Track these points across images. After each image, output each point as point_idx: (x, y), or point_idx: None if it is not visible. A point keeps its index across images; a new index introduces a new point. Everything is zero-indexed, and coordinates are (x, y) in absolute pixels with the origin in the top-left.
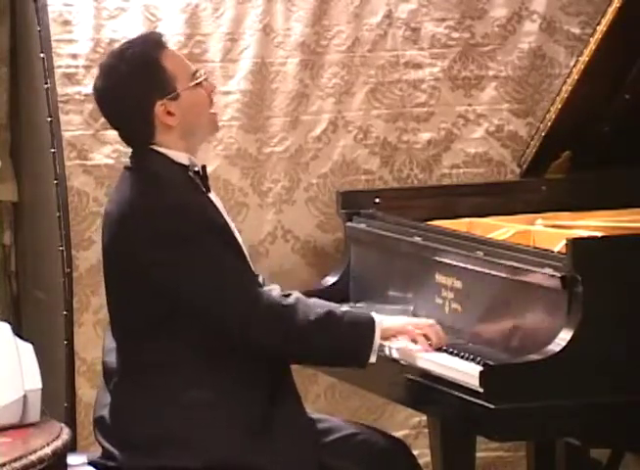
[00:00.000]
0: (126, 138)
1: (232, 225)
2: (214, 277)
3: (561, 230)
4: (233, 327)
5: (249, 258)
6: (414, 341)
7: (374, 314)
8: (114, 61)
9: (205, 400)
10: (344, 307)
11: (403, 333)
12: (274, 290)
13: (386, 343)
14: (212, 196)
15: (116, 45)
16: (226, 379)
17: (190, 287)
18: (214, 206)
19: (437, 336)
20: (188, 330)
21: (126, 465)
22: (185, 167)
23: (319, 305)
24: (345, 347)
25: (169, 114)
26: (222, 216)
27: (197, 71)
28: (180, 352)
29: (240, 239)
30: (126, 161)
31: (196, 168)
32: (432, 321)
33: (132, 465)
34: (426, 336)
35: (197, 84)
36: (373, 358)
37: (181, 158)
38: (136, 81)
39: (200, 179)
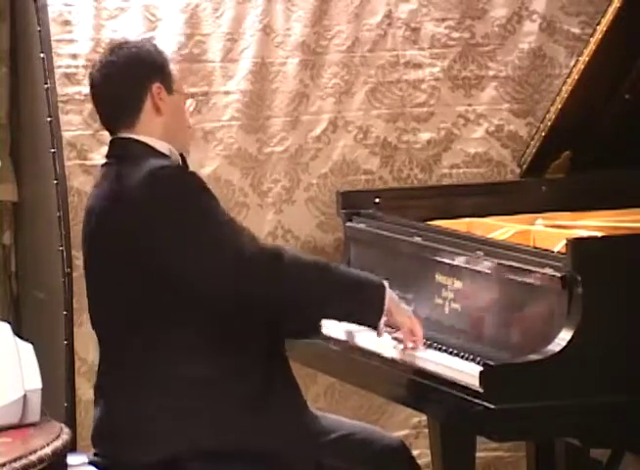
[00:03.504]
0: (110, 117)
1: None
2: (212, 233)
3: (561, 230)
4: (237, 280)
5: None
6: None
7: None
8: (125, 41)
9: (198, 382)
10: None
11: (401, 326)
12: None
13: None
14: None
15: None
16: (219, 361)
17: (189, 249)
18: None
19: (417, 338)
20: (184, 312)
21: (125, 461)
22: (166, 157)
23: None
24: (361, 290)
25: (162, 100)
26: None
27: (188, 98)
28: (173, 337)
29: None
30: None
31: (177, 161)
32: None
33: (131, 458)
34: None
35: (185, 100)
36: (382, 321)
37: (161, 147)
38: (143, 59)
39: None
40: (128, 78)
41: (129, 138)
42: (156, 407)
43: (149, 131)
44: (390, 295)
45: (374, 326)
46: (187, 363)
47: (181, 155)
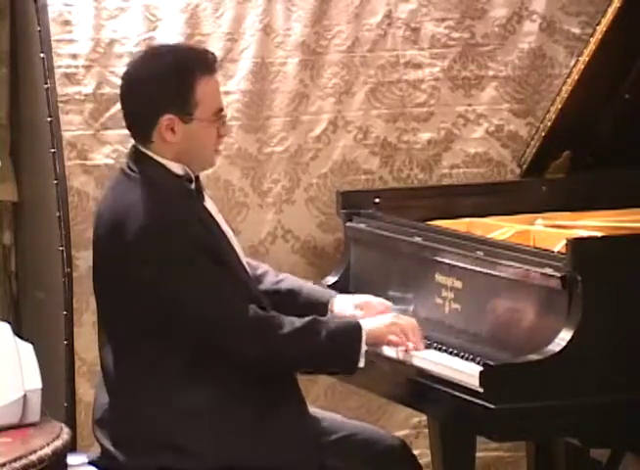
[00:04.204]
0: (129, 128)
1: (226, 230)
2: (203, 295)
3: (561, 230)
4: (221, 342)
5: (244, 263)
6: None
7: (360, 320)
8: (159, 51)
9: (198, 402)
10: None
11: (387, 342)
12: (261, 268)
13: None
14: (207, 203)
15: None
16: (221, 380)
17: (178, 303)
18: (209, 216)
19: (415, 339)
20: (180, 337)
21: (126, 465)
22: (180, 178)
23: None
24: (333, 352)
25: (172, 130)
26: (215, 230)
27: (221, 111)
28: (173, 355)
29: (235, 243)
30: (124, 159)
31: (189, 179)
32: (412, 320)
33: (132, 465)
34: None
35: (213, 122)
36: (362, 363)
37: (176, 168)
38: (160, 83)
39: (194, 188)
40: (139, 105)
41: (145, 154)
42: (157, 418)
43: (161, 153)
44: (368, 333)
45: (351, 372)
46: (186, 383)
47: (196, 177)
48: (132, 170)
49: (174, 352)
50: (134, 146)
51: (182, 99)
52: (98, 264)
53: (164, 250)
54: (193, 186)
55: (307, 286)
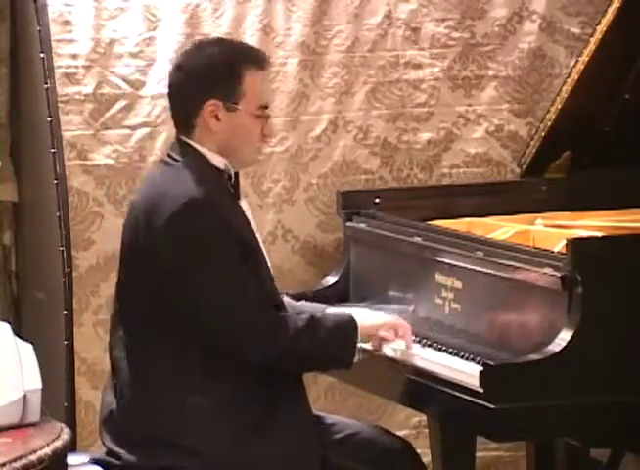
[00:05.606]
0: (174, 120)
1: (256, 231)
2: (223, 287)
3: (561, 230)
4: (232, 340)
5: (270, 267)
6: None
7: (353, 314)
8: (210, 42)
9: (203, 402)
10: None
11: (377, 337)
12: None
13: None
14: (243, 203)
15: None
16: (227, 380)
17: (203, 292)
18: (243, 214)
19: (405, 336)
20: (196, 333)
21: (131, 464)
22: (220, 172)
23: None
24: (332, 349)
25: (217, 118)
26: (247, 228)
27: (266, 107)
28: (187, 352)
29: (262, 245)
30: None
31: (229, 175)
32: (401, 320)
33: (137, 464)
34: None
35: (258, 116)
36: (357, 358)
37: (217, 161)
38: (208, 68)
39: (232, 186)
40: (184, 93)
41: (189, 145)
42: (164, 416)
43: (205, 144)
44: (361, 328)
45: (348, 367)
46: (192, 382)
47: (236, 174)
48: (174, 159)
49: (189, 347)
50: (178, 138)
51: (229, 85)
52: (127, 250)
53: (199, 234)
54: (231, 182)
55: (299, 302)
